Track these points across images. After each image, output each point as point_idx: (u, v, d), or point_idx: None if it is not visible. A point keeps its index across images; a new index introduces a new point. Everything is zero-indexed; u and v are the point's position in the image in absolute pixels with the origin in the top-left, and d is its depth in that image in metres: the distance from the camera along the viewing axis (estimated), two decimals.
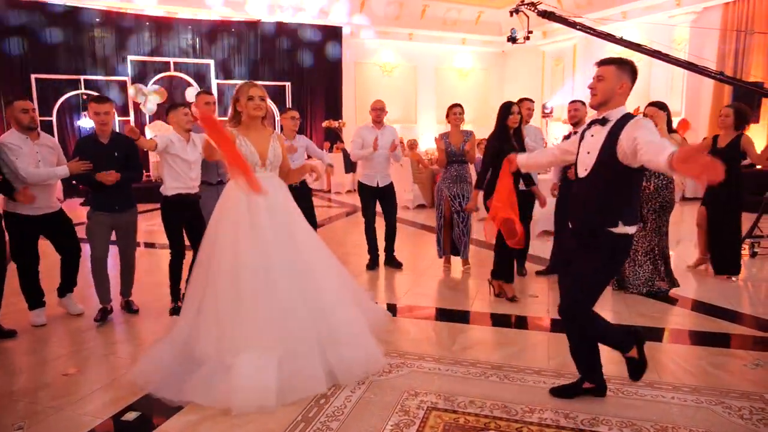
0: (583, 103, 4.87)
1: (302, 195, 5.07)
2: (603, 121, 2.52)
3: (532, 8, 7.17)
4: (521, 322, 3.98)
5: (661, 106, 4.36)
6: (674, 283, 4.46)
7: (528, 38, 7.98)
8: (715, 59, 11.51)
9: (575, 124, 4.84)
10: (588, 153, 2.56)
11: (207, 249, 3.02)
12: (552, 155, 3.06)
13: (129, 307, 4.25)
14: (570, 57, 15.01)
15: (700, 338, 3.61)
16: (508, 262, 4.44)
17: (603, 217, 2.49)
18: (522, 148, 4.27)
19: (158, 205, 4.21)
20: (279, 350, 2.75)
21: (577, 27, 6.76)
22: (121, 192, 4.03)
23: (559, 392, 2.76)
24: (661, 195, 4.36)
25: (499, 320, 4.04)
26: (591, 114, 2.96)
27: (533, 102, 5.14)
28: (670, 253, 4.58)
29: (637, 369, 2.65)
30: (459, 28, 16.04)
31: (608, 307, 4.15)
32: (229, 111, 3.13)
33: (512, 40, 8.07)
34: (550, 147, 3.06)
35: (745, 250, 5.69)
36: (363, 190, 5.44)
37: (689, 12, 12.09)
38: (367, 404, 2.70)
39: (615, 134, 2.42)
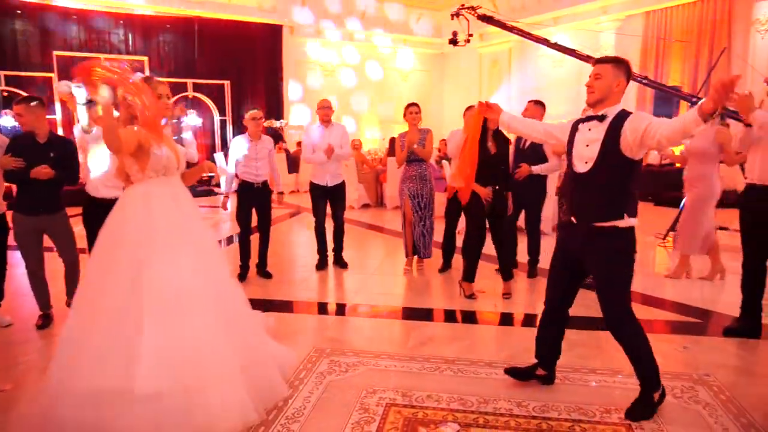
0: (538, 103, 5.06)
1: (263, 195, 5.05)
2: (601, 118, 2.54)
3: (473, 12, 7.38)
4: (471, 317, 4.10)
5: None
6: None
7: (468, 41, 8.21)
8: (638, 65, 12.29)
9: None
10: (587, 146, 2.57)
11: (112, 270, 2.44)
12: (534, 129, 2.99)
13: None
14: (506, 60, 15.52)
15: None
16: (472, 263, 4.49)
17: (609, 211, 2.51)
18: (500, 149, 4.31)
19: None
20: (237, 362, 2.49)
21: (515, 31, 7.03)
22: (49, 193, 3.81)
23: (512, 373, 2.88)
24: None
25: (450, 316, 4.16)
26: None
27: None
28: None
29: (647, 409, 2.54)
30: (399, 29, 16.22)
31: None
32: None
33: (454, 42, 8.27)
34: (536, 122, 3.05)
35: (669, 243, 6.13)
36: (313, 189, 5.41)
37: (614, 19, 12.83)
38: (326, 404, 2.71)
39: (616, 128, 2.46)
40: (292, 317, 4.18)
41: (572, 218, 2.71)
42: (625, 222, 2.51)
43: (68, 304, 4.02)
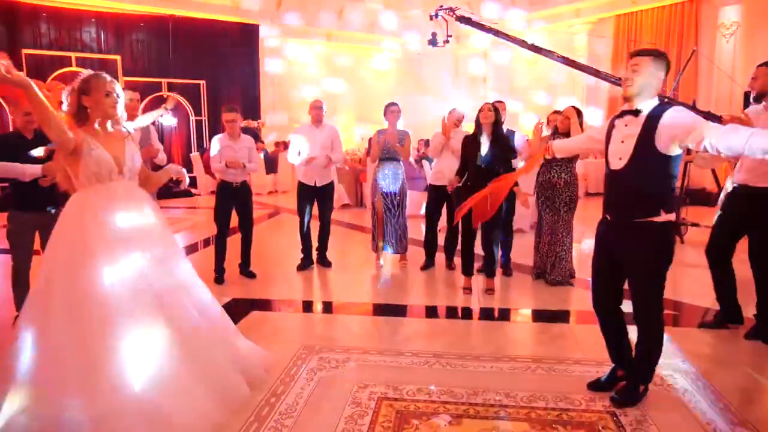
0: (500, 103, 5.16)
1: (243, 195, 4.99)
2: (636, 112, 2.47)
3: (451, 13, 7.46)
4: (456, 313, 4.17)
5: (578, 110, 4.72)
6: (572, 273, 4.82)
7: (448, 41, 8.27)
8: (610, 67, 12.61)
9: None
10: (622, 142, 2.51)
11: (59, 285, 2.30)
12: (581, 141, 2.99)
13: None
14: (481, 62, 15.72)
15: None
16: (469, 258, 4.57)
17: (645, 208, 2.47)
18: (500, 151, 4.31)
19: None
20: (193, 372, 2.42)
21: (493, 33, 7.12)
22: (51, 188, 3.77)
23: (615, 398, 2.67)
24: (570, 190, 4.65)
25: (434, 311, 4.22)
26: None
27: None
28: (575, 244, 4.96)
29: (631, 398, 2.61)
30: (376, 30, 16.26)
31: (546, 301, 4.43)
32: (67, 106, 2.52)
33: (433, 43, 8.34)
34: (579, 136, 3.05)
35: None
36: (301, 189, 5.39)
37: (586, 22, 13.15)
38: (319, 400, 2.74)
39: (652, 124, 2.40)
40: (280, 315, 4.19)
41: (607, 215, 2.65)
42: (663, 218, 2.46)
43: None
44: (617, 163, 2.53)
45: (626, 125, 2.53)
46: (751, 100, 3.60)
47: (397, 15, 16.07)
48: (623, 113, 2.54)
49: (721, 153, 2.25)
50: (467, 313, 4.15)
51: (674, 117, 2.37)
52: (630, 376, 2.68)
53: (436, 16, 7.75)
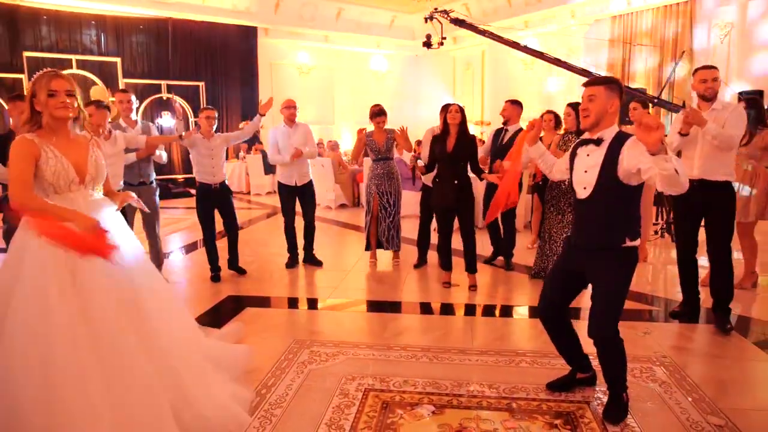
0: (515, 103, 5.33)
1: (223, 195, 5.04)
2: (597, 142, 2.49)
3: (445, 16, 7.57)
4: (445, 309, 4.27)
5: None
6: None
7: (442, 44, 8.40)
8: (605, 68, 12.71)
9: (505, 123, 5.32)
10: (585, 172, 2.53)
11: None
12: (555, 166, 2.93)
13: None
14: (479, 62, 15.81)
15: None
16: (445, 253, 4.72)
17: (610, 236, 2.48)
18: (458, 146, 4.47)
19: None
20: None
21: (486, 35, 7.24)
22: None
23: (555, 387, 2.78)
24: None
25: (425, 308, 4.32)
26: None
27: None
28: None
29: (622, 411, 2.55)
30: (373, 31, 16.36)
31: (520, 291, 4.56)
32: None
33: (428, 45, 8.46)
34: (557, 161, 2.97)
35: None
36: (282, 189, 5.50)
37: (582, 23, 13.23)
38: (307, 391, 2.83)
39: (614, 154, 2.40)
40: (273, 312, 4.28)
41: (575, 238, 2.64)
42: (627, 244, 2.48)
43: None
44: (582, 193, 2.55)
45: (588, 155, 2.53)
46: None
47: (394, 17, 16.20)
48: (585, 142, 2.56)
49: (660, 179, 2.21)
50: (456, 310, 4.24)
51: (632, 149, 2.34)
52: (609, 390, 2.61)
53: (431, 18, 7.88)
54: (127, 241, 2.44)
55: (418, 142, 10.28)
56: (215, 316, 4.07)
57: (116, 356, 2.16)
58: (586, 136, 2.58)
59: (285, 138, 5.38)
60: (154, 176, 4.81)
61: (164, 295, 2.64)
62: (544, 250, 4.90)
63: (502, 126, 5.38)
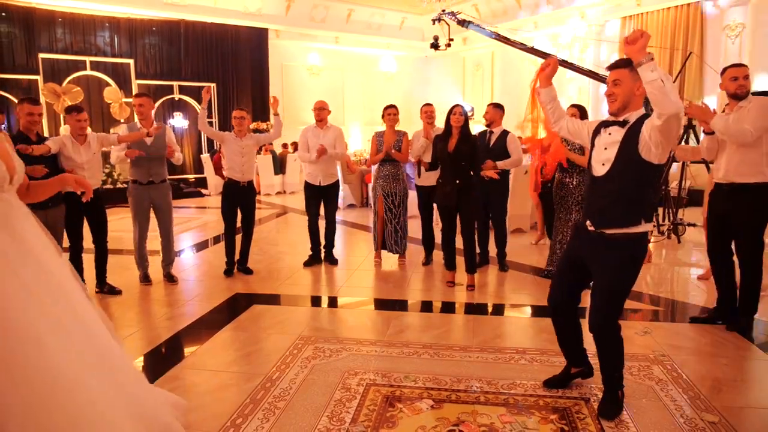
0: (497, 106, 5.34)
1: (248, 195, 5.21)
2: (623, 123, 2.47)
3: (453, 17, 7.63)
4: (447, 308, 4.33)
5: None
6: None
7: (449, 45, 8.45)
8: None
9: (488, 125, 5.35)
10: (605, 149, 2.51)
11: None
12: (564, 120, 2.86)
13: None
14: (488, 63, 15.84)
15: None
16: (449, 252, 4.81)
17: (626, 216, 2.44)
18: (459, 147, 4.53)
19: None
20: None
21: (493, 36, 7.28)
22: None
23: (552, 384, 2.83)
24: (581, 190, 4.69)
25: (428, 306, 4.38)
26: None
27: (431, 105, 5.48)
28: None
29: (616, 407, 2.57)
30: (383, 32, 16.46)
31: (536, 297, 4.60)
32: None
33: (435, 47, 8.51)
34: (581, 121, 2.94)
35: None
36: (307, 188, 5.62)
37: (592, 24, 13.21)
38: (311, 385, 2.91)
39: (636, 130, 2.40)
40: (279, 309, 4.37)
41: (587, 222, 2.58)
42: (642, 227, 2.45)
43: None
44: (600, 170, 2.52)
45: (610, 133, 2.52)
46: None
47: (404, 18, 16.27)
48: (609, 123, 2.54)
49: (657, 119, 2.25)
50: (458, 308, 4.30)
51: (651, 118, 2.34)
52: (605, 387, 2.63)
53: (439, 20, 7.94)
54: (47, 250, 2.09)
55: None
56: (224, 313, 4.17)
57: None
58: (610, 118, 2.55)
59: (315, 139, 5.47)
60: (166, 176, 4.95)
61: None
62: (554, 249, 4.94)
63: (486, 128, 5.43)
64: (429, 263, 5.58)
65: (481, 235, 5.34)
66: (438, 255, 5.59)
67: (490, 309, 4.31)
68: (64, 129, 11.74)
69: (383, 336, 3.66)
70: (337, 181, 5.69)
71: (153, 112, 5.26)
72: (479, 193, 4.81)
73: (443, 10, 7.82)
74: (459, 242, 4.79)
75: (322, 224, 5.69)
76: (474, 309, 4.27)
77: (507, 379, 2.94)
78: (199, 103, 5.57)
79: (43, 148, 4.00)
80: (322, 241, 5.73)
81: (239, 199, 5.18)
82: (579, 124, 2.82)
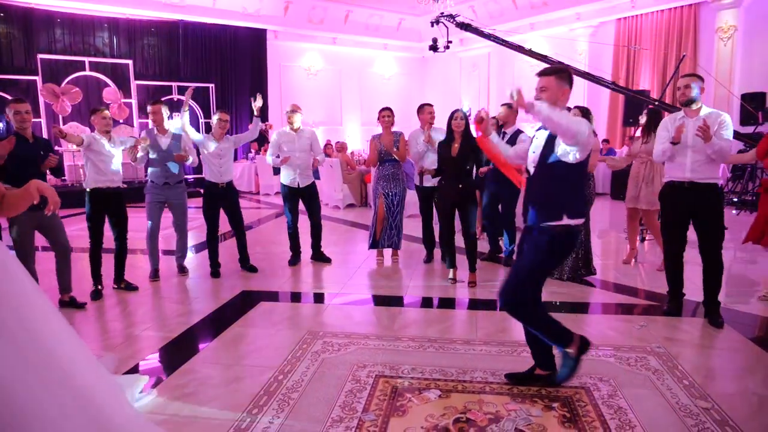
0: (511, 106, 5.46)
1: (229, 195, 5.29)
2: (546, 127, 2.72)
3: (451, 20, 7.75)
4: (450, 303, 4.45)
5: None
6: (593, 270, 5.05)
7: (448, 47, 8.58)
8: (610, 69, 12.85)
9: (502, 126, 5.48)
10: (534, 152, 2.81)
11: None
12: (513, 154, 3.21)
13: (74, 303, 4.33)
14: (485, 64, 16.00)
15: (602, 309, 4.29)
16: (449, 251, 4.95)
17: (548, 210, 2.68)
18: (462, 151, 4.66)
19: (80, 210, 4.39)
20: None
21: (491, 38, 7.41)
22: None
23: (513, 378, 2.93)
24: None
25: (430, 302, 4.51)
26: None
27: (432, 106, 5.58)
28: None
29: (571, 369, 2.74)
30: (381, 33, 16.59)
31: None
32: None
33: (434, 48, 8.64)
34: (510, 149, 3.27)
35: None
36: (285, 191, 5.70)
37: (587, 26, 13.39)
38: (321, 377, 3.03)
39: (554, 134, 2.65)
40: (286, 305, 4.48)
41: (524, 215, 2.90)
42: (564, 221, 2.66)
43: (61, 299, 4.29)
44: (531, 170, 2.85)
45: (538, 138, 2.84)
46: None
47: (401, 19, 16.38)
48: (540, 128, 2.83)
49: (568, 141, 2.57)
50: (460, 304, 4.43)
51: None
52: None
53: (437, 22, 8.06)
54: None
55: None
56: (231, 311, 4.28)
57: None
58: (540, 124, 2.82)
59: (290, 143, 5.53)
60: (182, 177, 5.12)
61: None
62: None
63: (497, 129, 5.55)
64: (430, 261, 5.71)
65: (490, 229, 5.55)
66: (437, 253, 5.72)
67: (490, 305, 4.42)
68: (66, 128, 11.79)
69: (389, 331, 3.77)
70: (314, 182, 5.76)
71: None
72: (494, 190, 4.95)
73: (441, 13, 7.94)
74: (459, 241, 4.92)
75: (304, 225, 5.80)
76: (475, 305, 4.39)
77: (511, 370, 3.06)
78: (199, 105, 5.70)
79: (76, 138, 4.35)
80: (309, 241, 5.80)
81: (220, 200, 5.26)
82: (523, 144, 3.11)
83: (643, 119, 5.31)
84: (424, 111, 5.46)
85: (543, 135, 2.78)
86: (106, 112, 4.65)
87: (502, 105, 5.55)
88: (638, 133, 5.44)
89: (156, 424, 2.47)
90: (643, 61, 12.62)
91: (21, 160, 3.89)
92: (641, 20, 12.61)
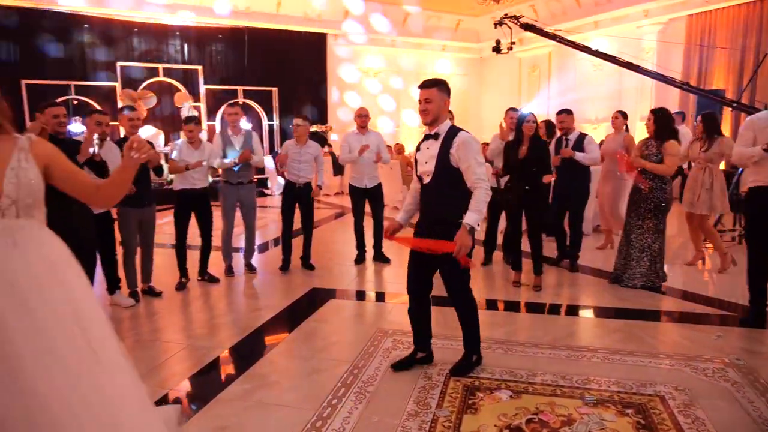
0: (569, 113, 5.44)
1: (304, 195, 5.54)
2: (435, 136, 2.98)
3: (515, 21, 7.72)
4: (514, 306, 4.47)
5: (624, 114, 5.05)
6: (663, 277, 4.88)
7: (511, 48, 8.54)
8: (681, 68, 12.31)
9: (565, 133, 5.42)
10: (426, 163, 3.01)
11: None
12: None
13: (152, 291, 4.74)
14: (545, 64, 15.69)
15: (676, 318, 4.18)
16: (516, 254, 5.00)
17: (449, 213, 2.94)
18: (531, 153, 4.68)
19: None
20: None
21: (556, 39, 7.33)
22: (144, 188, 4.49)
23: (454, 369, 3.16)
24: (655, 196, 4.68)
25: (495, 305, 4.54)
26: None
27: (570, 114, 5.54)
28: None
29: (467, 368, 3.14)
30: (439, 35, 16.61)
31: (605, 299, 4.67)
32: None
33: (497, 50, 8.62)
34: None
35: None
36: (353, 191, 5.93)
37: (656, 23, 12.85)
38: (394, 373, 3.15)
39: (447, 145, 2.92)
40: (355, 303, 4.65)
41: (422, 218, 3.17)
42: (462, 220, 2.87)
43: (146, 289, 4.76)
44: (426, 179, 3.03)
45: (428, 148, 3.01)
46: None
47: (459, 20, 16.34)
48: (426, 137, 3.04)
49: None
50: (525, 308, 4.44)
51: (461, 148, 2.89)
52: (465, 349, 3.21)
53: (501, 23, 8.04)
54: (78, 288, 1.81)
55: (486, 145, 10.43)
56: (303, 306, 4.48)
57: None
58: (426, 131, 3.07)
59: (357, 145, 5.73)
60: (253, 176, 5.43)
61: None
62: (622, 254, 4.92)
63: (560, 136, 5.52)
64: (488, 264, 5.73)
65: (560, 236, 5.60)
66: (497, 256, 5.73)
67: (555, 309, 4.42)
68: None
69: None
70: (380, 183, 5.94)
71: (217, 115, 5.63)
72: (563, 196, 5.06)
73: (506, 14, 7.92)
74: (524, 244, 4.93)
75: (369, 225, 5.95)
76: (540, 308, 4.40)
77: (581, 375, 3.08)
78: (263, 107, 6.06)
79: (178, 167, 4.79)
80: (370, 240, 5.98)
81: (296, 199, 5.58)
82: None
83: (696, 125, 5.26)
84: (506, 115, 5.49)
85: (435, 147, 2.99)
86: (138, 112, 4.86)
87: (560, 113, 5.51)
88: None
89: (245, 409, 2.66)
90: (717, 59, 12.01)
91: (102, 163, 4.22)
92: (715, 15, 12.01)
